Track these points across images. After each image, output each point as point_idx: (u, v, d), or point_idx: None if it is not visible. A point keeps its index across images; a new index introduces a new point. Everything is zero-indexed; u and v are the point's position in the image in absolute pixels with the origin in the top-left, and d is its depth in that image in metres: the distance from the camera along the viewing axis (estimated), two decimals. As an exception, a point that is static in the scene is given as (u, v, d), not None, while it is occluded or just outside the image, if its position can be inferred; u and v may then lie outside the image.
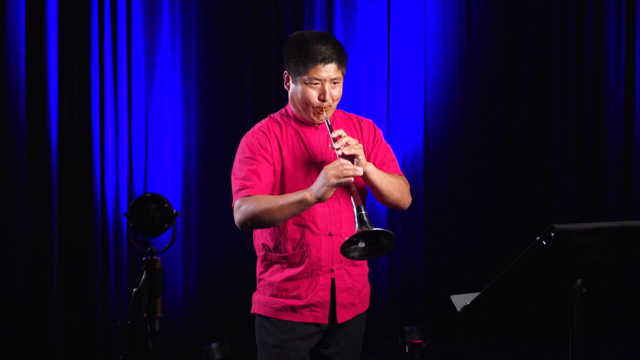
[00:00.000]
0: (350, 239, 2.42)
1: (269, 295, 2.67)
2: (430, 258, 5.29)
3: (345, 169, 2.42)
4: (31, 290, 4.25)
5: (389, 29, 5.13)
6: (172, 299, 4.57)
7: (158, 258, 1.92)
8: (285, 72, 2.65)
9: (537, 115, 5.48)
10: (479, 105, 5.36)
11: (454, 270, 5.31)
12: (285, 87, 2.68)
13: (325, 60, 2.55)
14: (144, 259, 1.92)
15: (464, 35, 5.30)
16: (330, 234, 2.63)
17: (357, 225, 2.41)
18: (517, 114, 5.42)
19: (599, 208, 5.61)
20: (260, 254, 2.72)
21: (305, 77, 2.56)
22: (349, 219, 2.64)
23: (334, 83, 2.59)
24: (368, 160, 2.63)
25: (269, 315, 2.67)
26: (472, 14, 5.33)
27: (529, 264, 2.06)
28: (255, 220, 2.53)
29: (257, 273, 2.74)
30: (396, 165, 2.79)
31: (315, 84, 2.57)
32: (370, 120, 2.83)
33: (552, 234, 1.95)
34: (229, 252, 4.75)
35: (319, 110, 2.60)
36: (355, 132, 2.73)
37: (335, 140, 2.51)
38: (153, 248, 1.92)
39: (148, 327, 1.92)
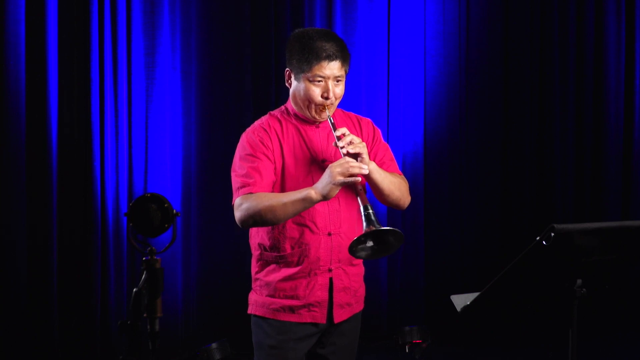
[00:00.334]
0: (359, 238, 2.40)
1: (266, 296, 2.65)
2: (430, 258, 5.29)
3: (351, 167, 2.41)
4: (31, 290, 4.25)
5: (389, 29, 5.13)
6: (172, 299, 4.57)
7: (158, 258, 1.92)
8: (287, 69, 2.63)
9: (537, 115, 5.47)
10: (479, 105, 5.36)
11: (454, 270, 5.31)
12: (286, 84, 2.66)
13: (330, 58, 2.53)
14: (144, 259, 1.92)
15: (464, 35, 5.30)
16: (329, 234, 2.62)
17: (364, 224, 2.39)
18: (517, 114, 5.42)
19: (599, 208, 5.60)
20: (255, 253, 2.70)
21: (308, 75, 2.55)
22: (348, 218, 2.64)
23: (337, 81, 2.58)
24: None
25: (266, 316, 2.65)
26: (472, 14, 5.32)
27: (529, 264, 2.06)
28: (257, 218, 2.50)
29: (253, 272, 2.72)
30: (395, 164, 2.79)
31: (319, 81, 2.55)
32: (369, 119, 2.82)
33: (552, 234, 1.95)
34: (228, 252, 4.75)
35: (321, 108, 2.59)
36: (355, 131, 2.72)
37: (339, 138, 2.50)
38: (153, 248, 1.92)
39: (148, 327, 1.92)
